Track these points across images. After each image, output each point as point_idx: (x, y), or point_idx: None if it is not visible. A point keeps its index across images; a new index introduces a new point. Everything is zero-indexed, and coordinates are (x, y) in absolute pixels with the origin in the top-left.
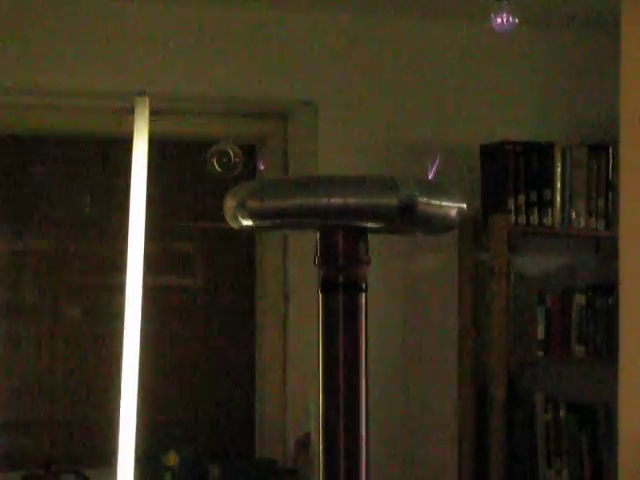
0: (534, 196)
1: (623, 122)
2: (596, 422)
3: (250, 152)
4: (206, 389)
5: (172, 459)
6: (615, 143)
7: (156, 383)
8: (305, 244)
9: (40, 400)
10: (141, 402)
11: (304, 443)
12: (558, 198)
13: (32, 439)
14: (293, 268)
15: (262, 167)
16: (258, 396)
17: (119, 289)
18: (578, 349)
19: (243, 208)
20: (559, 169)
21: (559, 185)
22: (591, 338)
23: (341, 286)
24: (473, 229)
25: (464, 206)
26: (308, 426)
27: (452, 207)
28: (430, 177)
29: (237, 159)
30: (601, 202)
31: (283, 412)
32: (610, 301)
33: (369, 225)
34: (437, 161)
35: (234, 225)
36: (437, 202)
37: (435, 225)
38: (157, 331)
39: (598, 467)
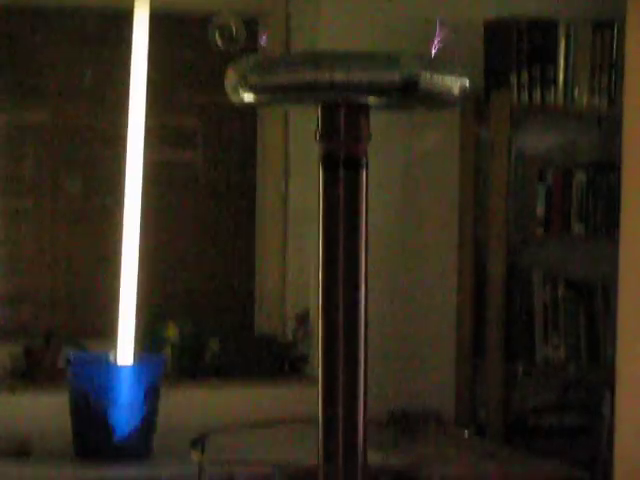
0: (537, 73)
1: None
2: (594, 299)
3: (252, 27)
4: (206, 264)
5: (171, 332)
6: (620, 19)
7: (156, 257)
8: (307, 119)
9: (41, 273)
10: (141, 275)
11: (303, 319)
12: (561, 75)
13: (33, 311)
14: (294, 144)
15: (264, 42)
16: (258, 271)
17: (120, 162)
18: (578, 227)
19: (245, 82)
20: (563, 46)
21: (562, 62)
22: (591, 216)
23: (342, 162)
24: (475, 106)
25: (466, 82)
26: (307, 302)
27: (454, 83)
28: (433, 53)
29: (239, 33)
30: (604, 79)
31: (282, 287)
32: (611, 179)
33: (371, 101)
34: (440, 37)
35: (235, 100)
36: (439, 78)
37: (437, 101)
38: (157, 206)
39: (595, 344)
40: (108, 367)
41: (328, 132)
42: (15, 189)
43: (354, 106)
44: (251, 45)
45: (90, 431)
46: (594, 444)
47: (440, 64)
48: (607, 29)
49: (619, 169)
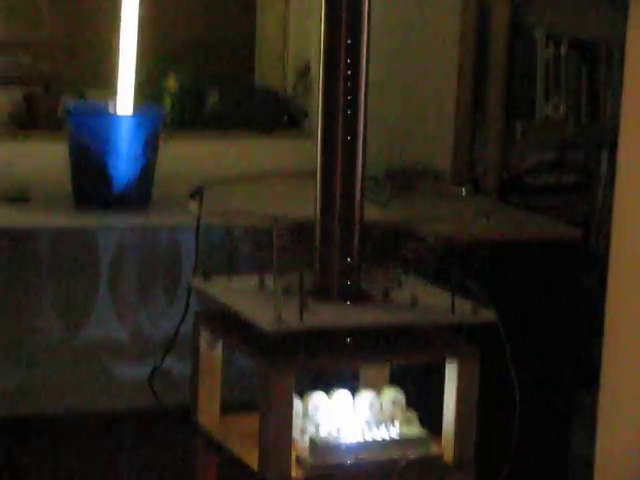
0: None
1: None
2: (597, 60)
3: None
4: (207, 14)
5: (171, 83)
6: None
7: (157, 7)
8: None
9: (41, 19)
10: (142, 26)
11: (304, 71)
12: None
13: (32, 59)
14: None
15: None
16: (259, 22)
17: None
18: None
19: None
20: None
21: None
22: None
23: None
24: None
25: None
26: (309, 54)
27: None
28: None
29: None
30: None
31: (284, 40)
32: None
33: None
34: None
35: None
36: None
37: None
38: None
39: (595, 105)
40: (107, 116)
41: None
42: None
43: None
44: None
45: (89, 180)
46: (589, 204)
47: None
48: None
49: None
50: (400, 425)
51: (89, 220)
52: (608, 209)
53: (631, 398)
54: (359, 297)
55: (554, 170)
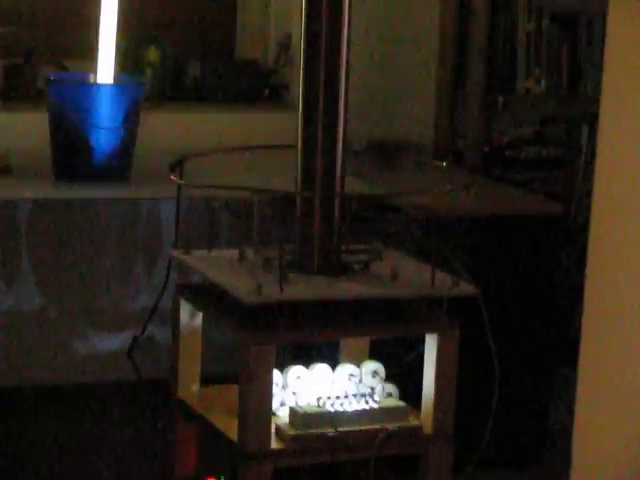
0: None
1: None
2: (577, 33)
3: None
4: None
5: (153, 55)
6: None
7: None
8: None
9: None
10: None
11: (286, 43)
12: None
13: (13, 30)
14: None
15: None
16: None
17: None
18: None
19: None
20: None
21: None
22: None
23: None
24: None
25: None
26: (290, 26)
27: None
28: None
29: None
30: None
31: (265, 12)
32: None
33: None
34: None
35: None
36: None
37: None
38: None
39: (576, 77)
40: (88, 87)
41: None
42: None
43: None
44: None
45: (70, 152)
46: (570, 178)
47: None
48: None
49: None
50: (380, 397)
51: (69, 192)
52: (589, 183)
53: (610, 370)
54: (339, 270)
55: (535, 144)
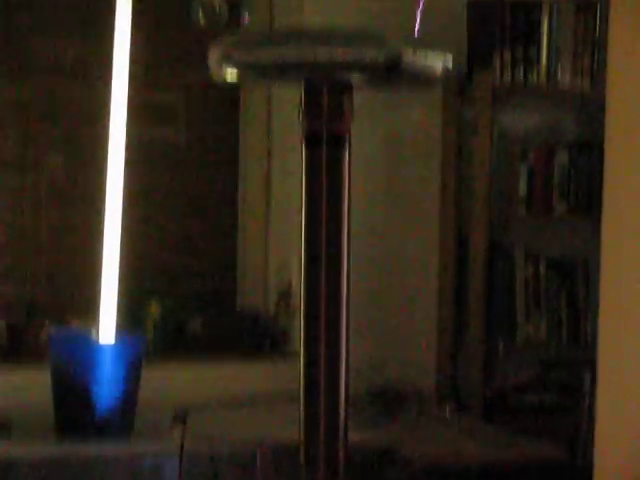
0: (520, 53)
1: None
2: (575, 278)
3: (235, 4)
4: (188, 240)
5: (153, 309)
6: (603, 0)
7: (138, 234)
8: (290, 98)
9: (23, 249)
10: (123, 253)
11: (285, 295)
12: (544, 55)
13: (15, 288)
14: (277, 121)
15: (247, 20)
16: (240, 246)
17: (103, 139)
18: (559, 206)
19: (228, 59)
20: (546, 26)
21: (545, 42)
22: (573, 195)
23: (325, 140)
24: (458, 85)
25: (449, 61)
26: (290, 277)
27: (437, 62)
28: (416, 32)
29: (222, 11)
30: (587, 60)
31: (265, 263)
32: (592, 159)
33: (354, 79)
34: (423, 16)
35: (218, 77)
36: (422, 57)
37: (419, 79)
38: (139, 182)
39: (575, 323)
40: (90, 344)
41: (311, 110)
42: None
43: (337, 84)
44: (234, 23)
45: (71, 408)
46: (574, 424)
47: (423, 42)
48: (590, 9)
49: (601, 149)
50: None
51: (70, 449)
52: (592, 429)
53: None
54: None
55: (538, 390)
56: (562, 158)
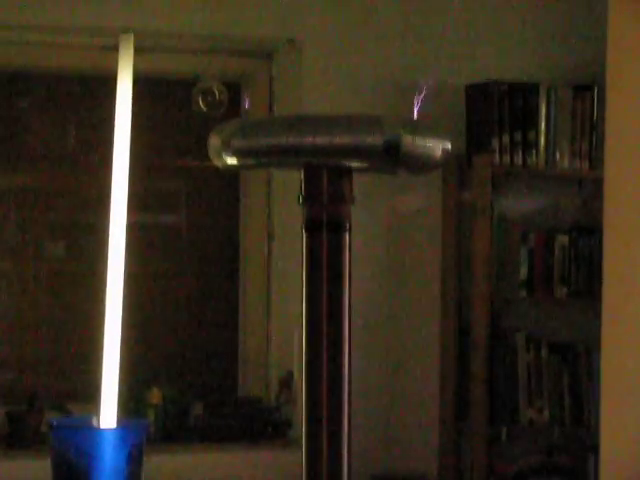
0: (518, 136)
1: (610, 62)
2: (577, 362)
3: (235, 91)
4: (189, 327)
5: (155, 396)
6: (600, 84)
7: (140, 320)
8: (290, 183)
9: (23, 337)
10: (125, 339)
11: (287, 381)
12: (542, 139)
13: (15, 375)
14: (277, 207)
15: (247, 106)
16: (241, 334)
17: (103, 226)
18: (560, 289)
19: (228, 146)
20: (544, 109)
21: (543, 126)
22: (573, 279)
23: (325, 225)
24: (457, 169)
25: (448, 145)
26: (291, 364)
27: (436, 146)
28: (415, 116)
29: (222, 97)
30: (585, 143)
31: (266, 351)
32: (592, 242)
33: (354, 164)
34: (422, 100)
35: (218, 164)
36: (422, 141)
37: (419, 164)
38: (141, 269)
39: (578, 407)
40: (91, 431)
41: (311, 195)
42: None
43: (337, 169)
44: (234, 109)
45: None
46: None
47: (422, 127)
48: (587, 92)
49: (600, 232)
50: None
51: None
52: None
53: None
54: None
55: (542, 474)
56: (562, 241)
